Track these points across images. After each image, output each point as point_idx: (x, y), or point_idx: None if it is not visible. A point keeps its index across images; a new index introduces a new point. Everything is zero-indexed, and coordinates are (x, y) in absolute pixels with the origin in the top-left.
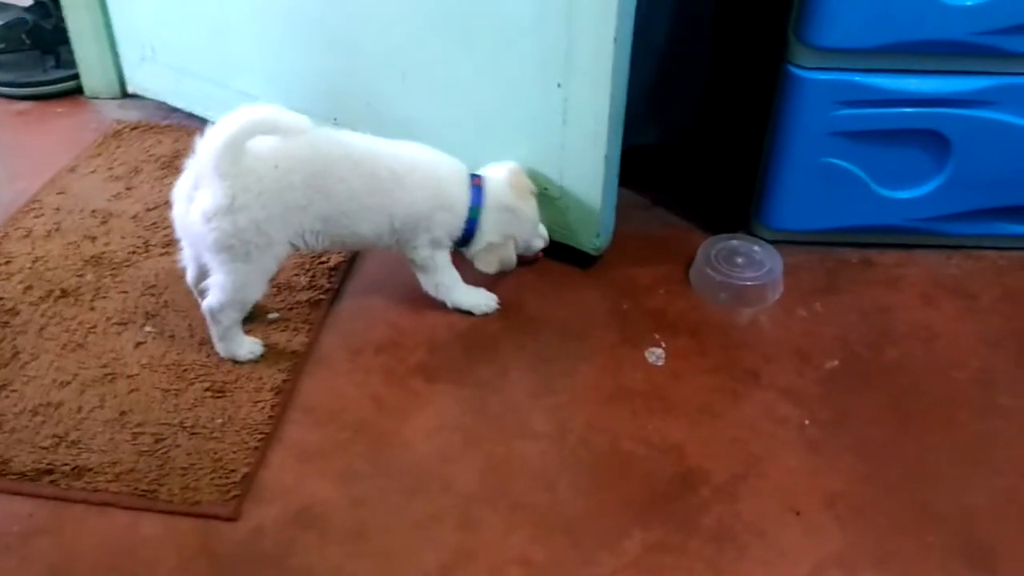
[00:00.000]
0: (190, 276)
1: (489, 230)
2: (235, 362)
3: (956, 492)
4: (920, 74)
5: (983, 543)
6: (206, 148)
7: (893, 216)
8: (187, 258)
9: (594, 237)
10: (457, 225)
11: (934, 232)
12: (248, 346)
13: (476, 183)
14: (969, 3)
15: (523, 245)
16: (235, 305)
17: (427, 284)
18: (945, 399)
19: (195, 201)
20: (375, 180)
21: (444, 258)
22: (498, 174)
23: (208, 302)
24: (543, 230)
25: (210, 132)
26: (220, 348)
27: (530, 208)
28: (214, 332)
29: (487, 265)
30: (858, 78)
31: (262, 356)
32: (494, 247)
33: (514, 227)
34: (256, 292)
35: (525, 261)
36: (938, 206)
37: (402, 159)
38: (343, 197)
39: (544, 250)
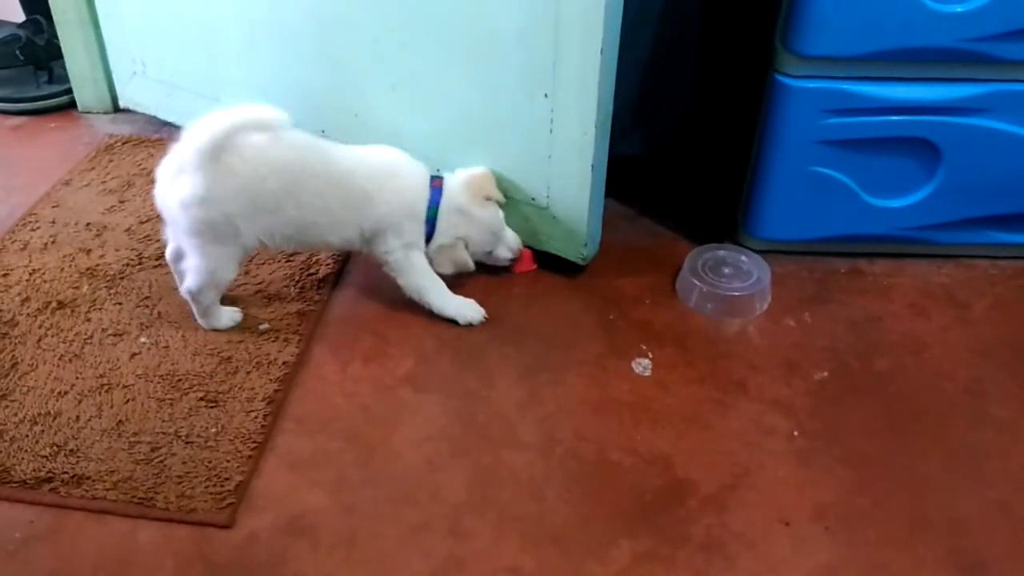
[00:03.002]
0: (169, 252)
1: (442, 231)
2: (216, 330)
3: (947, 503)
4: (909, 82)
5: (974, 555)
6: (190, 141)
7: (883, 225)
8: (168, 234)
9: (581, 247)
10: (421, 228)
11: (924, 241)
12: (228, 315)
13: (436, 184)
14: (959, 9)
15: (481, 250)
16: (210, 286)
17: (408, 289)
18: (936, 410)
19: (174, 186)
20: (349, 199)
21: (419, 259)
22: (459, 177)
23: (187, 285)
24: (512, 241)
25: (197, 124)
26: (203, 323)
27: (486, 213)
28: (195, 310)
29: (440, 266)
30: (846, 86)
31: (240, 323)
32: (444, 248)
33: (464, 229)
34: (228, 273)
35: (498, 267)
36: (928, 215)
37: (375, 177)
38: (316, 210)
39: (536, 261)
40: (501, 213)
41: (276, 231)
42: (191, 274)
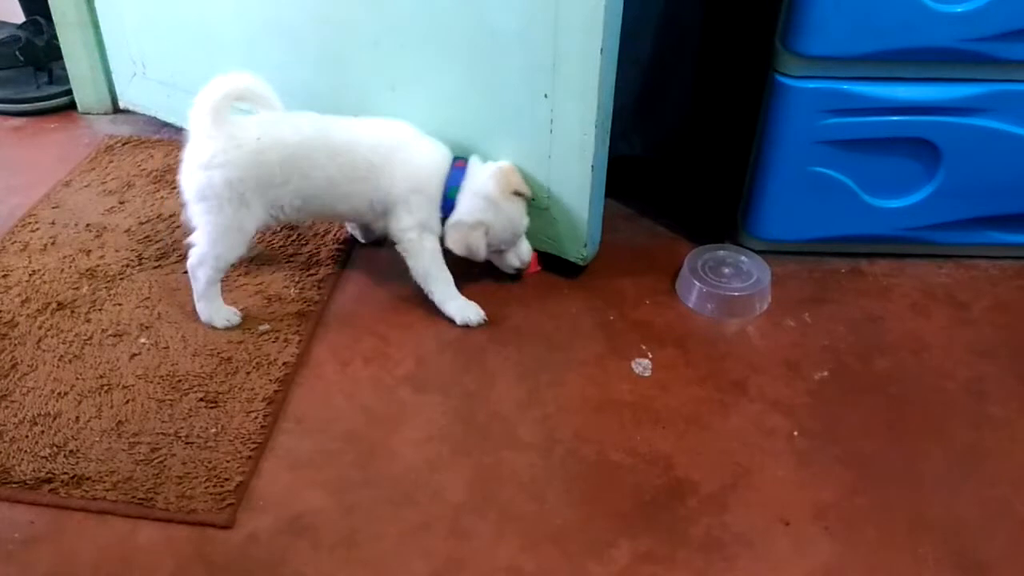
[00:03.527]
0: (185, 215)
1: (464, 211)
2: (212, 327)
3: (947, 503)
4: (909, 82)
5: (975, 555)
6: (195, 111)
7: (883, 225)
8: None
9: (581, 247)
10: (434, 206)
11: (924, 241)
12: (225, 315)
13: (459, 165)
14: (959, 9)
15: (496, 244)
16: (211, 260)
17: (416, 272)
18: (936, 409)
19: (187, 151)
20: (353, 169)
21: (432, 244)
22: (489, 166)
23: (190, 260)
24: (525, 252)
25: (199, 96)
26: (200, 309)
27: (512, 207)
28: (194, 289)
29: (453, 243)
30: (846, 86)
31: (237, 325)
32: (462, 226)
33: (488, 215)
34: (231, 251)
35: (505, 274)
36: (928, 215)
37: (381, 149)
38: (320, 182)
39: (541, 263)
40: (527, 218)
41: (284, 203)
42: (195, 245)
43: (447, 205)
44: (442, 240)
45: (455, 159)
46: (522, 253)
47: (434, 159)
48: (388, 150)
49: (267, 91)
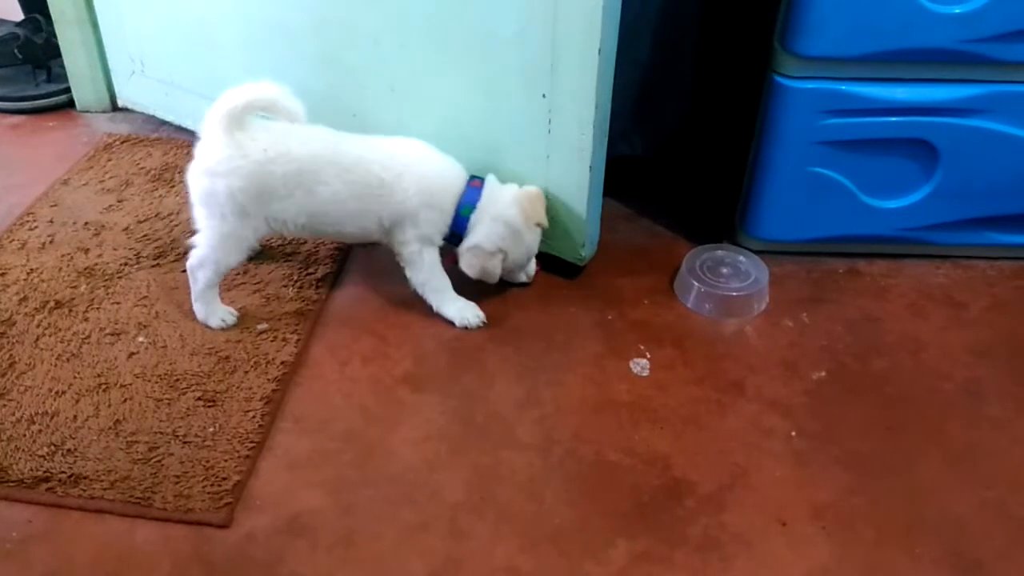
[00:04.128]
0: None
1: (482, 237)
2: (207, 327)
3: (944, 503)
4: (907, 82)
5: (972, 555)
6: (210, 113)
7: (880, 226)
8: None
9: (579, 247)
10: (444, 222)
11: (922, 242)
12: (221, 315)
13: (475, 184)
14: (957, 10)
15: (509, 267)
16: (210, 264)
17: (414, 280)
18: (933, 410)
19: (196, 155)
20: (362, 187)
21: (432, 256)
22: (510, 189)
23: (189, 260)
24: (532, 268)
25: (219, 100)
26: (196, 309)
27: (532, 237)
28: (192, 290)
29: (468, 268)
30: (844, 87)
31: (235, 325)
32: (480, 251)
33: (508, 244)
34: (230, 257)
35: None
36: (926, 216)
37: (392, 166)
38: (326, 199)
39: (539, 264)
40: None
41: (288, 218)
42: (197, 246)
43: (460, 223)
44: (442, 252)
45: (471, 178)
46: (530, 270)
47: (448, 176)
48: (401, 166)
49: (293, 104)
